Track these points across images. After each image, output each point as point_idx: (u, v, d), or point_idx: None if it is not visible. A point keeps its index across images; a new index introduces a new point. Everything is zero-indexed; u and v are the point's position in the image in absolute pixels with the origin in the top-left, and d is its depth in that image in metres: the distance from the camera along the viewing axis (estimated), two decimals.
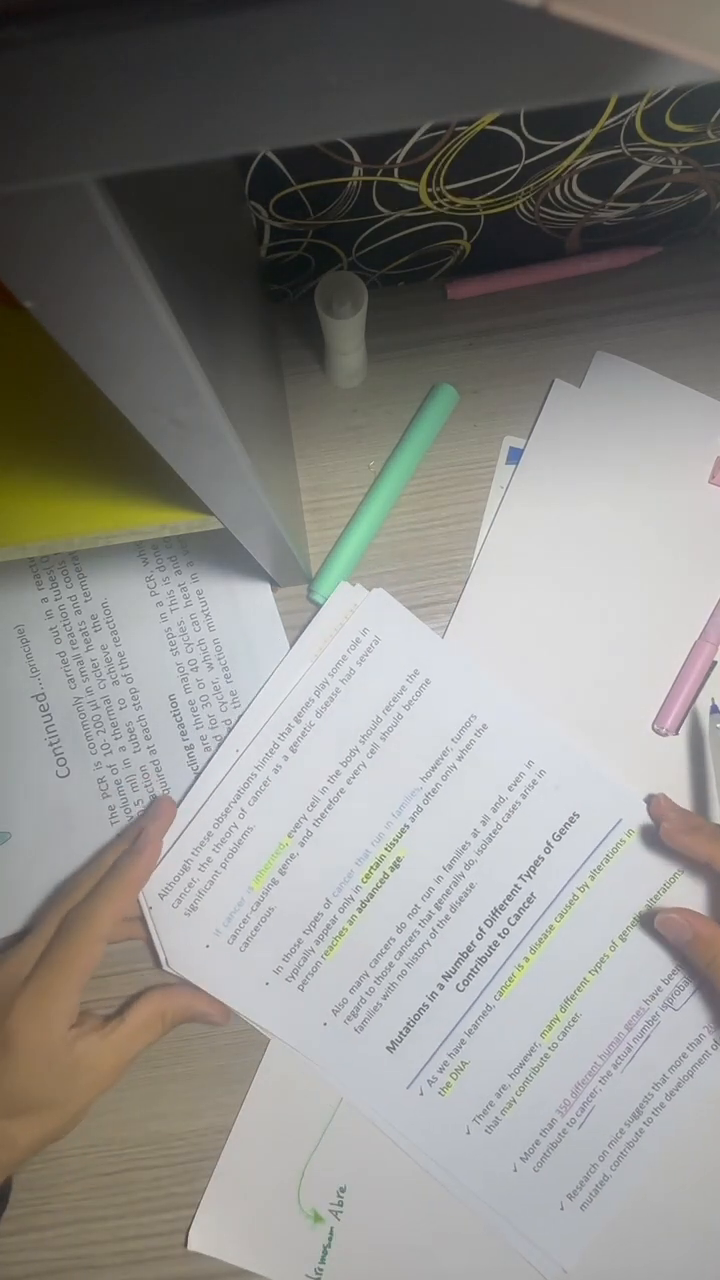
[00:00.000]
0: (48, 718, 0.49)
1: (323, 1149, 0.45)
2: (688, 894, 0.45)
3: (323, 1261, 0.44)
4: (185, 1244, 0.45)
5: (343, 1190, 0.45)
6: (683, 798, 0.46)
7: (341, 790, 0.47)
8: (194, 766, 0.48)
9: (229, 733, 0.48)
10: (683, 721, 0.47)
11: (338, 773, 0.47)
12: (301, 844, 0.46)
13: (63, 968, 0.41)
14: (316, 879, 0.46)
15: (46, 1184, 0.46)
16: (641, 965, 0.45)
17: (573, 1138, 0.44)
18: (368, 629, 0.47)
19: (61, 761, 0.48)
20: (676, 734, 0.47)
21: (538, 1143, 0.45)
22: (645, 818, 0.46)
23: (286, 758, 0.47)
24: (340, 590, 0.48)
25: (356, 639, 0.47)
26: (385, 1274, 0.44)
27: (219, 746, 0.48)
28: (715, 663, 0.47)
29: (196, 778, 0.48)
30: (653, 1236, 0.44)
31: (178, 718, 0.48)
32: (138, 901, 0.46)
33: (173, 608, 0.49)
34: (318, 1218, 0.45)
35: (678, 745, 0.47)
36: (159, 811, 0.46)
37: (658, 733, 0.47)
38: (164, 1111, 0.46)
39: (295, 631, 0.49)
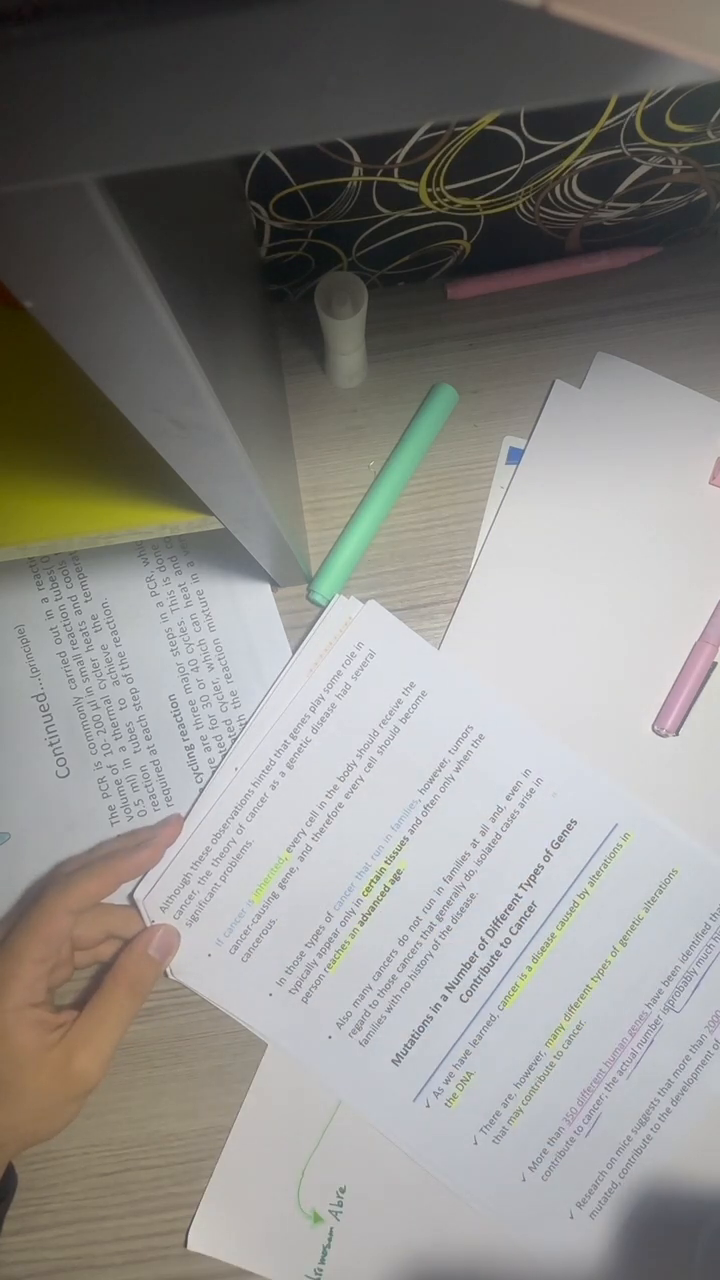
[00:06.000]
0: (48, 718, 0.49)
1: (323, 1149, 0.45)
2: (686, 891, 0.45)
3: (323, 1262, 0.44)
4: (185, 1244, 0.45)
5: (343, 1190, 0.45)
6: (682, 797, 0.46)
7: (340, 804, 0.46)
8: (194, 767, 0.48)
9: (231, 746, 0.48)
10: (683, 722, 0.47)
11: (335, 787, 0.47)
12: (301, 858, 0.46)
13: (22, 932, 0.41)
14: (317, 893, 0.46)
15: (46, 1184, 0.46)
16: (643, 969, 0.45)
17: (580, 1146, 0.44)
18: (362, 643, 0.47)
19: (61, 762, 0.48)
20: (677, 735, 0.47)
21: (545, 1152, 0.44)
22: (641, 819, 0.46)
23: (283, 774, 0.47)
24: (335, 604, 0.48)
25: (351, 654, 0.47)
26: (385, 1274, 0.44)
27: (221, 759, 0.48)
28: (715, 664, 0.47)
29: (199, 793, 0.47)
30: (663, 1245, 0.44)
31: (178, 718, 0.48)
32: (139, 916, 0.46)
33: (173, 608, 0.49)
34: (318, 1218, 0.45)
35: (678, 746, 0.47)
36: (169, 822, 0.46)
37: (657, 734, 0.47)
38: (164, 1111, 0.46)
39: (295, 632, 0.49)
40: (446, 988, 0.46)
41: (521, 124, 0.39)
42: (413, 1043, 0.45)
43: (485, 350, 0.51)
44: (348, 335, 0.45)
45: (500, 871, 0.46)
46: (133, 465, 0.33)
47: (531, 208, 0.46)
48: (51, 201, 0.13)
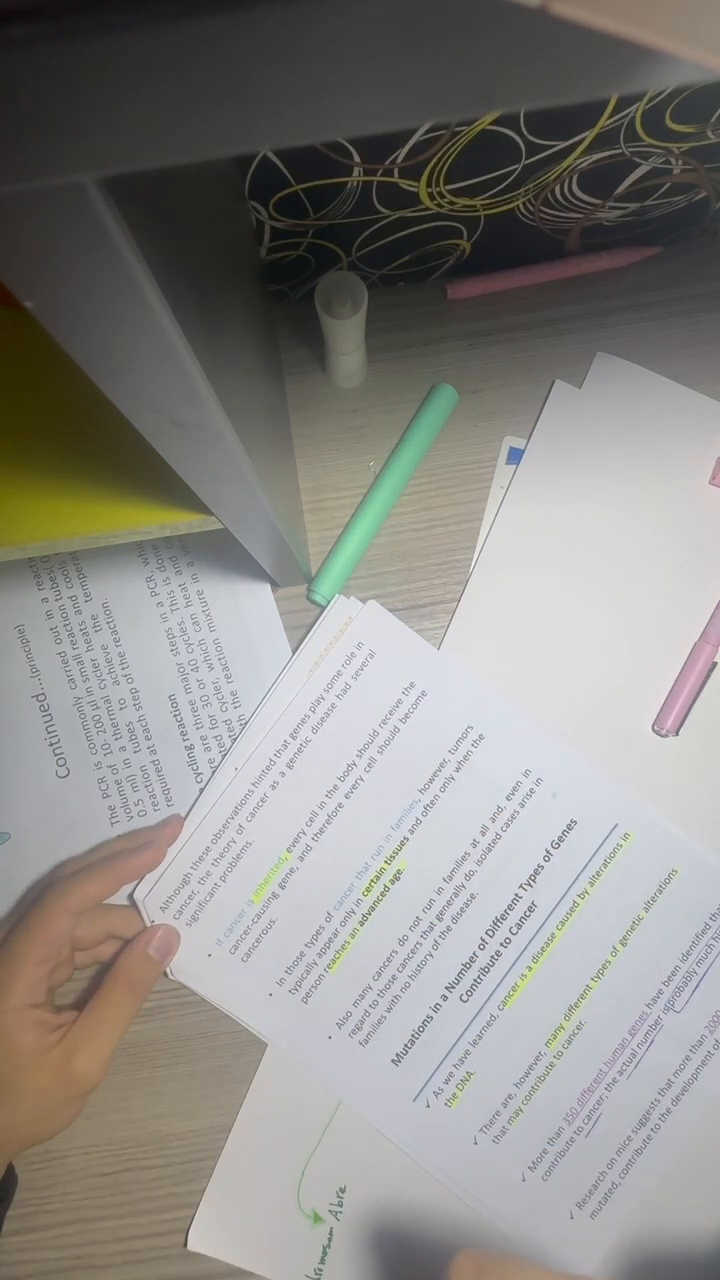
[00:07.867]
0: (48, 718, 0.49)
1: (323, 1149, 0.45)
2: (686, 891, 0.45)
3: (322, 1262, 0.44)
4: (185, 1244, 0.45)
5: (342, 1190, 0.45)
6: (682, 797, 0.46)
7: (340, 804, 0.46)
8: (194, 767, 0.48)
9: (231, 746, 0.48)
10: (683, 722, 0.47)
11: (335, 787, 0.47)
12: (301, 858, 0.46)
13: (23, 933, 0.41)
14: (317, 893, 0.46)
15: (46, 1184, 0.46)
16: (643, 969, 0.45)
17: (580, 1146, 0.44)
18: (362, 643, 0.47)
19: (61, 761, 0.48)
20: (677, 734, 0.47)
21: (545, 1152, 0.44)
22: (641, 819, 0.46)
23: (283, 774, 0.47)
24: (335, 604, 0.48)
25: (351, 654, 0.47)
26: (385, 1274, 0.44)
27: (221, 759, 0.48)
28: (715, 664, 0.47)
29: (199, 793, 0.47)
30: (665, 1244, 0.44)
31: (178, 718, 0.48)
32: (139, 917, 0.46)
33: (173, 608, 0.49)
34: (317, 1218, 0.45)
35: (678, 746, 0.47)
36: (169, 823, 0.46)
37: (657, 733, 0.47)
38: (164, 1111, 0.46)
39: (295, 632, 0.49)
40: (446, 988, 0.46)
41: (521, 124, 0.39)
42: (413, 1043, 0.45)
43: (485, 350, 0.51)
44: (348, 335, 0.45)
45: (500, 871, 0.46)
46: (133, 465, 0.33)
47: (531, 208, 0.46)
48: (51, 201, 0.13)
